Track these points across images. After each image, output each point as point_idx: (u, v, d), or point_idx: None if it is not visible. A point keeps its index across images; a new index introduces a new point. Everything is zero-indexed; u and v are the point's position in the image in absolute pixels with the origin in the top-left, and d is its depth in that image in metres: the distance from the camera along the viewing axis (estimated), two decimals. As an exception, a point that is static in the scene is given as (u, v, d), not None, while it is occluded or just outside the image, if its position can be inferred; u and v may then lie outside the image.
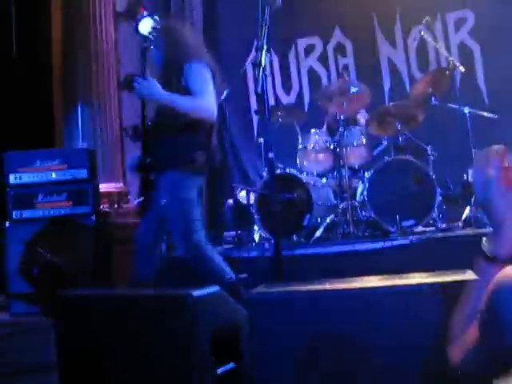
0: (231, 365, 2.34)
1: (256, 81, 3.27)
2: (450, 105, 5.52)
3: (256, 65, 3.26)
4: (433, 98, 5.60)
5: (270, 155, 3.32)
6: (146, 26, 6.80)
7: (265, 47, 3.23)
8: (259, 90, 3.17)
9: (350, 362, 2.04)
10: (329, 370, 2.08)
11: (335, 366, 2.05)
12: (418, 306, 1.95)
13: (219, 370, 2.26)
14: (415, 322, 1.96)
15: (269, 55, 3.39)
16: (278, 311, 2.11)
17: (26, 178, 5.44)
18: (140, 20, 6.67)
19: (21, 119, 6.11)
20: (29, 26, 6.30)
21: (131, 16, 6.74)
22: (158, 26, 3.71)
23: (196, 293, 2.21)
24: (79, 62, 6.24)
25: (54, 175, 5.40)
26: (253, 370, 2.23)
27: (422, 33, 5.98)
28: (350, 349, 2.01)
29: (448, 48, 6.78)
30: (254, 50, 6.40)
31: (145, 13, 6.90)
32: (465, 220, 5.13)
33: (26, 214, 5.36)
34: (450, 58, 5.53)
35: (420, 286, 1.99)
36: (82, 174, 5.26)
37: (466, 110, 5.33)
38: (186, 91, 3.64)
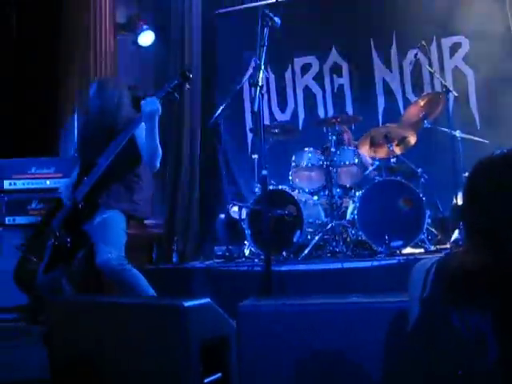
0: (218, 375, 2.38)
1: (253, 100, 3.33)
2: (443, 128, 5.60)
3: (253, 84, 3.34)
4: (425, 121, 5.69)
5: (264, 172, 3.38)
6: (145, 38, 6.92)
7: (262, 67, 3.30)
8: (255, 109, 3.24)
9: (337, 376, 2.08)
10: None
11: (322, 381, 2.10)
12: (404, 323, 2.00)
13: (206, 380, 2.30)
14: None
15: (266, 74, 3.46)
16: (266, 324, 2.15)
17: (21, 184, 5.49)
18: (140, 33, 6.79)
19: (18, 127, 6.15)
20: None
21: (131, 28, 6.84)
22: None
23: (187, 303, 2.25)
24: (77, 73, 6.30)
25: (48, 183, 5.45)
26: (239, 380, 2.27)
27: (418, 56, 6.07)
28: (338, 363, 2.06)
29: (442, 72, 6.88)
30: (250, 68, 6.48)
31: (145, 26, 7.02)
32: (454, 242, 5.18)
33: (19, 220, 5.40)
34: (444, 83, 5.61)
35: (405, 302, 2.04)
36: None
37: (458, 133, 5.42)
38: None
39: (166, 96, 3.70)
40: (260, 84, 3.24)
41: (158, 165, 3.87)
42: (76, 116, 6.20)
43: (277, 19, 3.54)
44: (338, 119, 5.76)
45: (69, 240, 3.71)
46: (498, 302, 1.37)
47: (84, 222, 3.71)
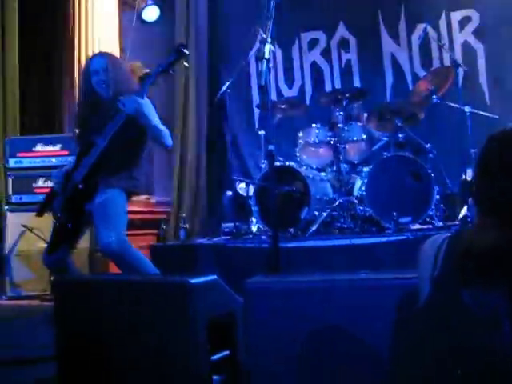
0: (226, 352, 2.37)
1: (259, 74, 3.28)
2: (451, 104, 5.53)
3: (260, 58, 3.29)
4: (434, 97, 5.62)
5: (271, 147, 3.34)
6: (150, 13, 6.84)
7: (269, 40, 3.25)
8: (262, 83, 3.20)
9: (344, 354, 2.07)
10: (323, 362, 2.11)
11: (329, 358, 2.09)
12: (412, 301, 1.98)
13: (214, 357, 2.29)
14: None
15: (272, 48, 3.41)
16: (274, 301, 2.14)
17: (27, 162, 5.48)
18: (144, 8, 6.72)
19: (24, 105, 6.13)
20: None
21: (136, 3, 6.76)
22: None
23: (193, 280, 2.24)
24: (81, 49, 6.26)
25: (54, 161, 5.43)
26: (247, 357, 2.26)
27: (427, 30, 5.98)
28: (345, 341, 2.04)
29: (452, 47, 6.78)
30: (257, 43, 6.41)
31: (149, 1, 6.94)
32: (462, 219, 5.14)
33: (26, 198, 5.40)
34: (454, 57, 5.54)
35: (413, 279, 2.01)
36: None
37: (467, 109, 5.34)
38: None
39: (161, 73, 3.65)
40: (267, 57, 3.19)
41: (171, 143, 3.85)
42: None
43: (283, -9, 3.49)
44: (347, 94, 5.70)
45: (70, 220, 3.70)
46: (509, 279, 1.34)
47: (85, 202, 3.68)
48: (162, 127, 3.74)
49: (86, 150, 3.72)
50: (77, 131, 4.01)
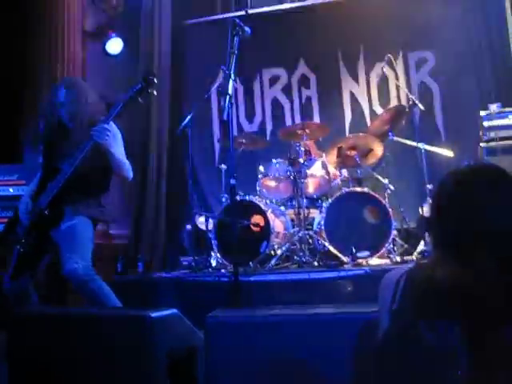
0: (185, 387, 2.35)
1: (222, 108, 3.32)
2: (407, 141, 5.67)
3: (223, 93, 3.33)
4: (391, 134, 5.75)
5: (232, 181, 3.37)
6: (114, 46, 6.86)
7: (232, 76, 3.30)
8: (225, 118, 3.23)
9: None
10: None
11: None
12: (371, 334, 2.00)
13: (173, 392, 2.27)
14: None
15: (234, 84, 3.46)
16: (235, 335, 2.13)
17: (-17, 192, 5.39)
18: (108, 40, 6.73)
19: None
20: None
21: (99, 36, 6.77)
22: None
23: (154, 314, 2.22)
24: (43, 80, 6.22)
25: (11, 190, 5.35)
26: (206, 393, 2.25)
27: (384, 69, 6.14)
28: (306, 375, 2.05)
29: (409, 86, 6.98)
30: (219, 79, 6.49)
31: (113, 34, 6.96)
32: (419, 253, 5.23)
33: (-18, 228, 5.28)
34: (410, 96, 5.69)
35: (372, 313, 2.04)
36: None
37: (422, 146, 5.48)
38: None
39: (129, 101, 3.64)
40: (230, 93, 3.24)
41: (131, 176, 3.86)
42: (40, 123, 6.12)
43: (247, 29, 3.56)
44: (306, 128, 5.78)
45: (34, 246, 3.64)
46: (467, 314, 1.38)
47: (50, 228, 3.64)
48: (125, 160, 3.74)
49: (52, 175, 3.68)
50: (41, 157, 3.98)
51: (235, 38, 3.48)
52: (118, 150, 3.69)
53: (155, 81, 3.67)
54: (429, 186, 5.28)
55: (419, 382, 1.42)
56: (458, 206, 1.51)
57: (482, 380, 1.33)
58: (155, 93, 3.79)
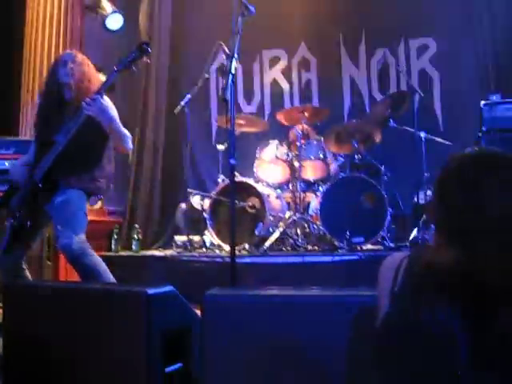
0: (179, 364, 2.35)
1: (222, 88, 3.31)
2: (407, 128, 5.66)
3: (224, 72, 3.32)
4: (391, 120, 5.74)
5: (232, 161, 3.35)
6: (114, 22, 6.79)
7: (236, 55, 3.28)
8: (227, 97, 3.21)
9: (299, 368, 2.07)
10: (276, 378, 2.11)
11: (283, 373, 2.09)
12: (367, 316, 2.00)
13: (167, 369, 2.27)
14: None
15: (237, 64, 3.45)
16: (232, 314, 2.13)
17: (-22, 165, 5.34)
18: (108, 15, 6.65)
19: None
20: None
21: (98, 10, 6.69)
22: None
23: (151, 290, 2.22)
24: (43, 53, 6.15)
25: (7, 164, 5.31)
26: (200, 371, 2.25)
27: (386, 56, 6.11)
28: (300, 356, 2.05)
29: (409, 73, 6.96)
30: (218, 58, 6.42)
31: (113, 8, 6.87)
32: (412, 240, 5.25)
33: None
34: (411, 83, 5.67)
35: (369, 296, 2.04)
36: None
37: (422, 134, 5.48)
38: None
39: (123, 69, 3.61)
40: (233, 72, 3.22)
41: (131, 146, 3.85)
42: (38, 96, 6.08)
43: (251, 8, 3.54)
44: (305, 111, 5.77)
45: (28, 220, 3.63)
46: (468, 299, 1.38)
47: (44, 201, 3.63)
48: (125, 130, 3.73)
49: (46, 148, 3.66)
50: (36, 130, 3.97)
51: (239, 18, 3.46)
52: (115, 120, 3.67)
53: (149, 50, 3.63)
54: (426, 174, 5.29)
55: (417, 366, 1.42)
56: (462, 190, 1.50)
57: (483, 367, 1.34)
58: (148, 60, 3.75)
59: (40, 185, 3.61)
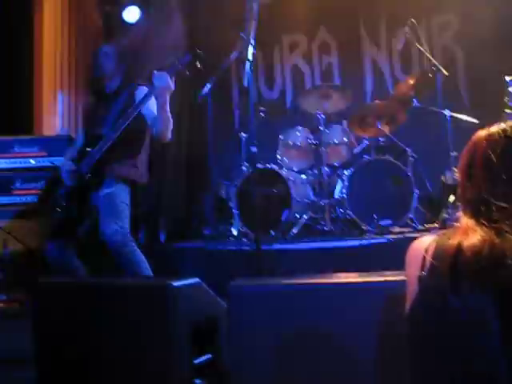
0: (208, 356, 2.35)
1: (242, 75, 3.28)
2: (432, 108, 5.56)
3: (242, 59, 3.29)
4: (415, 100, 5.65)
5: (253, 149, 3.33)
6: (131, 14, 6.77)
7: (252, 42, 3.25)
8: (245, 84, 3.19)
9: (328, 357, 2.06)
10: (304, 366, 2.09)
11: (313, 361, 2.07)
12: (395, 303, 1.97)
13: (196, 361, 2.27)
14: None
15: (254, 50, 3.41)
16: (259, 303, 2.12)
17: (4, 163, 5.40)
18: (125, 8, 6.64)
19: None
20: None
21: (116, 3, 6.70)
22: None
23: (176, 283, 2.22)
24: (62, 49, 6.18)
25: (32, 162, 5.36)
26: (229, 361, 2.24)
27: (407, 35, 6.00)
28: (329, 344, 2.03)
29: (431, 51, 6.83)
30: (239, 45, 6.37)
31: (130, 1, 6.85)
32: (441, 221, 5.17)
33: (3, 200, 5.31)
34: (434, 61, 5.57)
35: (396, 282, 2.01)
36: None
37: (447, 113, 5.38)
38: None
39: (176, 73, 3.68)
40: (250, 59, 3.19)
41: (170, 135, 3.90)
42: (60, 94, 6.11)
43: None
44: (329, 90, 5.70)
45: (76, 210, 3.73)
46: (499, 283, 1.33)
47: (91, 192, 3.73)
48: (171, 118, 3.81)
49: (93, 142, 3.76)
50: (83, 123, 4.09)
51: (255, 4, 3.42)
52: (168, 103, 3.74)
53: (202, 54, 3.69)
54: (452, 154, 5.20)
55: (448, 351, 1.38)
56: (491, 168, 1.46)
57: None
58: (199, 65, 3.80)
59: (87, 177, 3.71)
